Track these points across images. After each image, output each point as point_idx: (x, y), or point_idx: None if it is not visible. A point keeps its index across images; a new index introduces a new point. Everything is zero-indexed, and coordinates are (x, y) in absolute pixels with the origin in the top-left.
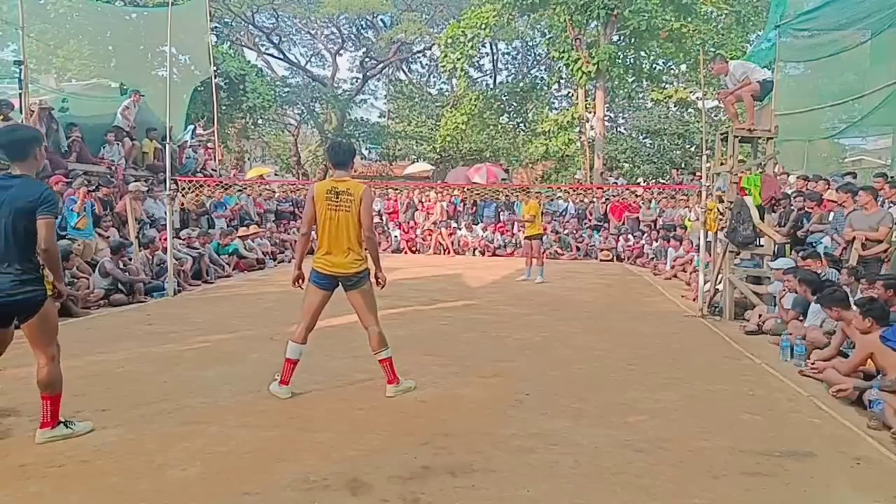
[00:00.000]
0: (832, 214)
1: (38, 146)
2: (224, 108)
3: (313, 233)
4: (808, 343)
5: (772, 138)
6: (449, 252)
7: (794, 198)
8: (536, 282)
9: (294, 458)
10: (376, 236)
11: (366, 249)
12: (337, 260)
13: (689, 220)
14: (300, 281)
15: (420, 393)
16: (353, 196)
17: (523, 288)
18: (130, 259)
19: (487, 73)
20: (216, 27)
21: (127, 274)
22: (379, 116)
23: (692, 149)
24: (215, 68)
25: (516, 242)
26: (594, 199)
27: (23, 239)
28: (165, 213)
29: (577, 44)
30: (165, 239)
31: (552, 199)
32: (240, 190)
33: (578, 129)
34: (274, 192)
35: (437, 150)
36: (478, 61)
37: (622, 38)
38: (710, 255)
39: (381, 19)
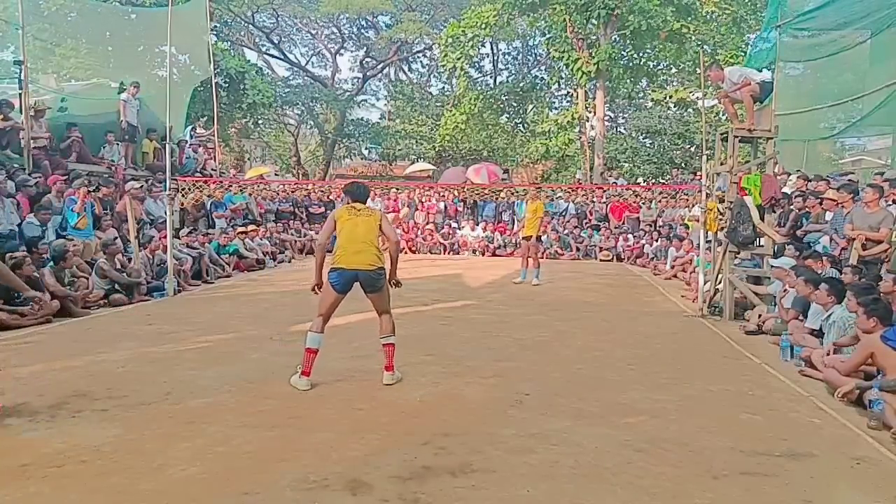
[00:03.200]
0: (829, 214)
1: None
2: (224, 106)
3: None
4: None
5: (772, 138)
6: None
7: (794, 198)
8: (533, 283)
9: (294, 458)
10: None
11: (385, 250)
12: (358, 247)
13: (689, 218)
14: (319, 288)
15: (420, 393)
16: (372, 211)
17: (523, 288)
18: (130, 259)
19: (487, 73)
20: (216, 27)
21: (125, 275)
22: (379, 117)
23: (692, 149)
24: (215, 67)
25: (516, 242)
26: (594, 200)
27: None
28: (165, 212)
29: (577, 44)
30: (165, 238)
31: (552, 199)
32: (241, 190)
33: (578, 128)
34: (276, 193)
35: (437, 149)
36: (478, 61)
37: (622, 38)
38: (711, 255)
39: (382, 19)
